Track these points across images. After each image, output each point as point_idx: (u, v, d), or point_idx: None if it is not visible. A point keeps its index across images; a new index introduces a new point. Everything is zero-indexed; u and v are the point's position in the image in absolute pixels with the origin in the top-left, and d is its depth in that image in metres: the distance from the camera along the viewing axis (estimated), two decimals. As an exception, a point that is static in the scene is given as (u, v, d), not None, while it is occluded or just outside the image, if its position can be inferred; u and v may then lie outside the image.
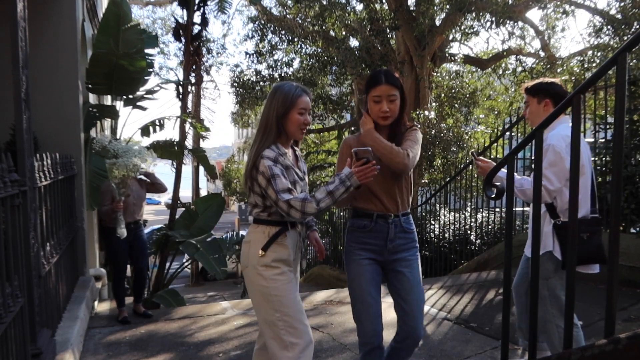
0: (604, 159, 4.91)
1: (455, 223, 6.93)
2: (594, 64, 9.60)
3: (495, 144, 6.09)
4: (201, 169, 8.97)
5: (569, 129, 2.39)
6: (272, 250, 2.05)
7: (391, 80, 2.15)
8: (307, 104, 2.09)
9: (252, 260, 2.07)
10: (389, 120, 2.19)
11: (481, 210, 6.87)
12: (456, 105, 11.06)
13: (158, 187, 4.59)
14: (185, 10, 7.77)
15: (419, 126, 2.11)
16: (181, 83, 7.63)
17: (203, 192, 18.20)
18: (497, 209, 6.49)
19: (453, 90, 11.52)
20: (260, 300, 2.05)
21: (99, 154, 4.22)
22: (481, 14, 9.24)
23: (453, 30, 10.85)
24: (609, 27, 9.07)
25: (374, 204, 2.20)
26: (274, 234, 2.06)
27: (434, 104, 10.82)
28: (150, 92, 5.75)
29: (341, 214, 9.23)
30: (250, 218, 2.30)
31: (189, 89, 8.37)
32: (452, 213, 7.20)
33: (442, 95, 11.09)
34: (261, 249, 2.05)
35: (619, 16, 8.79)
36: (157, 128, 5.95)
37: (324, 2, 10.54)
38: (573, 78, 9.97)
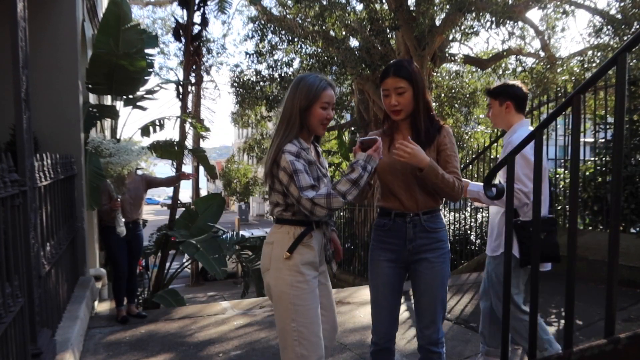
0: (604, 159, 4.91)
1: (455, 223, 6.93)
2: (594, 64, 9.60)
3: (495, 144, 6.09)
4: (201, 169, 8.97)
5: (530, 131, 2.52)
6: (297, 252, 1.94)
7: (398, 72, 2.03)
8: (331, 98, 1.98)
9: (276, 262, 1.96)
10: (401, 114, 2.07)
11: (481, 210, 6.87)
12: (456, 105, 11.08)
13: (162, 182, 4.70)
14: (185, 10, 7.78)
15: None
16: (181, 83, 7.64)
17: (203, 192, 18.19)
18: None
19: (453, 90, 11.54)
20: (279, 305, 1.96)
21: (97, 154, 4.23)
22: (481, 14, 9.23)
23: (453, 30, 10.85)
24: (609, 27, 9.06)
25: (392, 202, 2.13)
26: (300, 235, 1.95)
27: (434, 104, 10.82)
28: (150, 92, 5.74)
29: (341, 213, 9.23)
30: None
31: (189, 89, 8.37)
32: (452, 213, 7.20)
33: (442, 95, 11.10)
34: (287, 251, 1.93)
35: (619, 16, 8.79)
36: (157, 128, 5.95)
37: (324, 2, 10.54)
38: (573, 78, 9.98)
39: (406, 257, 2.11)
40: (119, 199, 4.10)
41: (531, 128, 2.59)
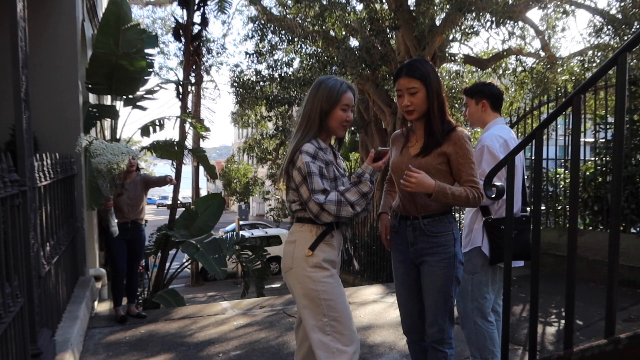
0: (604, 159, 4.91)
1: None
2: (594, 64, 9.60)
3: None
4: (201, 169, 8.95)
5: (502, 129, 2.54)
6: (320, 249, 1.96)
7: (410, 72, 2.01)
8: (350, 100, 2.01)
9: (299, 261, 1.97)
10: (414, 114, 2.04)
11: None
12: (456, 105, 11.07)
13: (157, 182, 4.68)
14: (185, 10, 7.76)
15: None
16: (181, 83, 7.62)
17: (203, 192, 18.19)
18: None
19: (453, 90, 11.53)
20: (308, 303, 1.95)
21: (89, 155, 4.21)
22: (481, 13, 9.23)
23: (453, 30, 10.84)
24: (609, 27, 9.07)
25: (399, 205, 2.18)
26: (322, 233, 1.97)
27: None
28: (150, 92, 5.75)
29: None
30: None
31: (189, 89, 8.35)
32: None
33: (443, 95, 11.07)
34: (309, 248, 1.95)
35: (619, 16, 8.79)
36: (157, 128, 5.95)
37: (324, 2, 10.53)
38: (573, 78, 9.98)
39: (412, 258, 2.15)
40: (111, 199, 4.09)
41: (505, 126, 2.63)
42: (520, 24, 10.84)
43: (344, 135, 2.11)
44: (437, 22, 10.46)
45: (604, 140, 5.03)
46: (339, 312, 1.93)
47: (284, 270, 2.04)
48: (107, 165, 3.85)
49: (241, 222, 19.78)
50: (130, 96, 5.50)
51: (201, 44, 8.71)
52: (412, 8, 10.65)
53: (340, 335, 1.91)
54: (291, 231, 2.06)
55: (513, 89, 12.70)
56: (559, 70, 10.73)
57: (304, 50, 12.76)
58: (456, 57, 12.19)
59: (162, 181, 4.67)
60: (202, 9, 7.98)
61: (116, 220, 4.13)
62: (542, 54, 11.50)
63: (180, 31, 8.00)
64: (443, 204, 2.05)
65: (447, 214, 2.10)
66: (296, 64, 13.26)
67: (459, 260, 2.09)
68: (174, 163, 6.92)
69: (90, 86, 5.06)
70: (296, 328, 2.18)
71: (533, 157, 2.36)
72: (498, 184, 2.22)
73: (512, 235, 2.22)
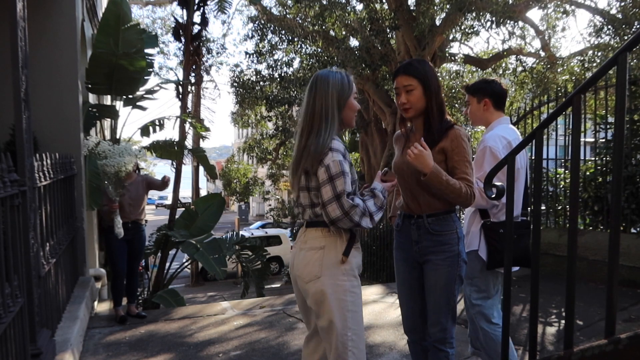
0: (604, 159, 4.90)
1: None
2: (594, 64, 9.61)
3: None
4: (201, 169, 8.95)
5: (506, 130, 2.46)
6: (351, 255, 1.88)
7: (406, 70, 2.03)
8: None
9: (331, 269, 1.84)
10: (411, 112, 2.06)
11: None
12: (456, 105, 11.07)
13: (159, 186, 4.65)
14: (185, 10, 7.76)
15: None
16: (181, 83, 7.62)
17: (203, 192, 18.19)
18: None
19: (453, 90, 11.53)
20: (333, 314, 1.82)
21: (94, 156, 4.23)
22: (481, 13, 9.24)
23: (453, 30, 10.85)
24: (609, 26, 9.07)
25: (403, 204, 2.19)
26: (351, 237, 1.88)
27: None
28: (150, 92, 5.75)
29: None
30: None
31: (189, 89, 8.35)
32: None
33: (442, 95, 11.08)
34: (343, 255, 1.84)
35: (620, 16, 8.80)
36: (157, 128, 5.95)
37: (324, 2, 10.53)
38: (573, 78, 9.98)
39: (416, 257, 2.14)
40: (116, 201, 4.09)
41: (510, 126, 2.55)
42: (520, 24, 10.84)
43: (354, 126, 2.11)
44: (437, 22, 10.46)
45: (604, 140, 5.03)
46: (359, 326, 1.86)
47: (307, 279, 1.87)
48: (115, 168, 3.87)
49: (263, 222, 20.83)
50: (130, 96, 5.50)
51: (201, 43, 8.70)
52: (412, 8, 10.66)
53: (358, 351, 1.84)
54: (314, 237, 1.89)
55: (513, 89, 12.70)
56: (559, 70, 10.74)
57: (304, 50, 12.76)
58: (456, 57, 12.20)
59: (163, 184, 4.67)
60: (202, 8, 7.98)
61: (121, 222, 4.13)
62: (542, 54, 11.50)
63: (180, 31, 7.99)
64: (446, 202, 2.06)
65: (450, 213, 2.11)
66: (296, 64, 13.27)
67: (462, 259, 2.09)
68: (174, 163, 6.92)
69: (90, 86, 5.06)
70: (308, 339, 2.07)
71: (533, 157, 2.35)
72: (498, 184, 2.21)
73: (512, 237, 2.19)
